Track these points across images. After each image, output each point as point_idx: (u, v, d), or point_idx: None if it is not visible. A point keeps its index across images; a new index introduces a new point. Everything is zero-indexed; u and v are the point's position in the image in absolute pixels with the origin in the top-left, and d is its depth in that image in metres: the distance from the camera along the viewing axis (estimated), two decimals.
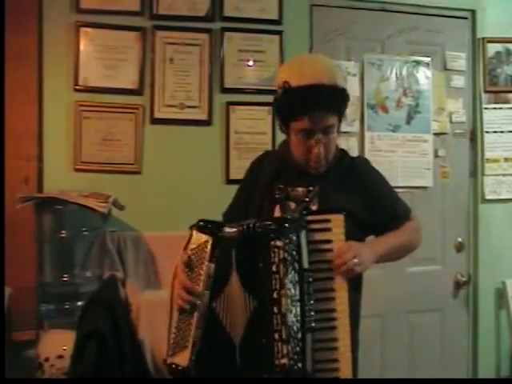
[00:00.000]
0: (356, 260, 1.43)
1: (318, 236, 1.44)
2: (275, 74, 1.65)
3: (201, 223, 1.51)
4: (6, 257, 2.38)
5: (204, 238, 1.47)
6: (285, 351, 1.31)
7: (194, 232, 1.50)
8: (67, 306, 2.33)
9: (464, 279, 3.08)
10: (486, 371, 3.09)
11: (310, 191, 1.59)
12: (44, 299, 2.35)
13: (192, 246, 1.49)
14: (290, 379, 1.34)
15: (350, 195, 1.60)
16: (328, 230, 1.44)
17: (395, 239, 1.64)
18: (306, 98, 1.49)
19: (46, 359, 2.19)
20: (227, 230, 1.47)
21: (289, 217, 1.46)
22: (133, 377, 2.16)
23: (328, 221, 1.44)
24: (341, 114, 1.58)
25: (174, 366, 1.46)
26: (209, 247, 1.45)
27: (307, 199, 1.58)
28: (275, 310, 1.34)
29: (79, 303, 2.29)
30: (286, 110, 1.57)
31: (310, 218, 1.45)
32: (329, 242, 1.44)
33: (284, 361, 1.31)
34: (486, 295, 3.09)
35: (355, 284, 1.55)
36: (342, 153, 1.71)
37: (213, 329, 1.43)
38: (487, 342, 3.10)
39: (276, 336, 1.32)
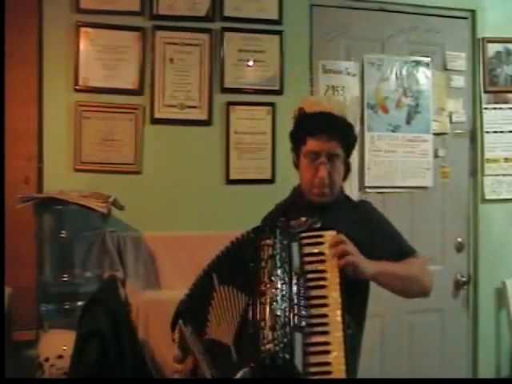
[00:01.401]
0: (349, 248, 1.44)
1: (312, 249, 1.47)
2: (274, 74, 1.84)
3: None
4: (6, 257, 2.38)
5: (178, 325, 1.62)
6: (270, 337, 1.31)
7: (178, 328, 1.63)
8: (67, 306, 2.32)
9: (464, 279, 3.08)
10: (486, 371, 3.09)
11: (312, 220, 1.60)
12: (44, 299, 2.35)
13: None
14: (291, 379, 1.33)
15: (353, 232, 1.58)
16: (321, 244, 1.47)
17: (398, 267, 1.62)
18: (316, 121, 1.68)
19: (46, 359, 2.19)
20: (183, 298, 1.64)
21: (280, 224, 1.54)
22: (133, 377, 2.16)
23: (321, 236, 1.49)
24: (346, 147, 1.72)
25: None
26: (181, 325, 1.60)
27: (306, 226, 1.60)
28: (262, 300, 1.37)
29: (79, 303, 2.29)
30: (298, 133, 1.74)
31: (303, 234, 1.50)
32: (322, 254, 1.45)
33: (269, 346, 1.30)
34: (486, 295, 3.09)
35: (358, 292, 1.57)
36: (346, 196, 1.83)
37: (213, 353, 1.49)
38: (487, 341, 3.10)
39: (262, 324, 1.34)
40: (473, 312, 3.11)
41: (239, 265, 1.49)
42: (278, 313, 1.34)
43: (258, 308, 1.37)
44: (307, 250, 1.47)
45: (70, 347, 2.13)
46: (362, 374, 1.67)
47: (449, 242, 3.08)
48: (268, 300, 1.36)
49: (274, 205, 1.94)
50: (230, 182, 2.74)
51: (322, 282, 1.42)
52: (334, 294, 1.40)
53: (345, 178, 1.79)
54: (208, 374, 1.47)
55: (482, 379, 3.08)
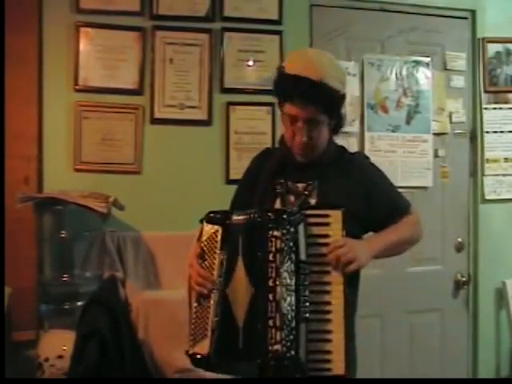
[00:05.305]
0: (350, 255, 1.45)
1: (317, 230, 1.47)
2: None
3: (210, 215, 1.57)
4: (6, 257, 2.38)
5: (214, 228, 1.53)
6: (278, 338, 1.34)
7: (205, 224, 1.57)
8: (67, 306, 2.33)
9: (464, 279, 3.08)
10: (486, 371, 3.09)
11: (309, 185, 1.63)
12: (44, 299, 2.35)
13: (204, 237, 1.55)
14: (292, 379, 1.34)
15: (349, 190, 1.63)
16: (326, 224, 1.47)
17: (394, 234, 1.65)
18: (291, 85, 1.56)
19: (46, 359, 2.19)
20: (235, 218, 1.52)
21: (288, 209, 1.51)
22: (133, 377, 2.16)
23: (327, 216, 1.47)
24: (329, 112, 1.60)
25: (195, 355, 1.48)
26: (219, 236, 1.51)
27: (306, 193, 1.62)
28: (270, 297, 1.38)
29: (79, 303, 2.29)
30: (276, 93, 1.66)
31: (308, 212, 1.48)
32: (327, 236, 1.47)
33: (277, 347, 1.34)
34: (486, 295, 3.09)
35: (351, 280, 1.56)
36: (341, 149, 1.76)
37: (225, 314, 1.46)
38: (487, 342, 3.10)
39: (270, 323, 1.36)
40: (473, 312, 3.11)
41: (250, 246, 1.47)
42: (285, 311, 1.36)
43: (266, 304, 1.37)
44: (312, 230, 1.46)
45: (69, 347, 2.13)
46: (362, 373, 1.67)
47: (449, 241, 3.08)
48: (277, 297, 1.37)
49: (265, 148, 1.91)
50: (229, 181, 2.74)
51: (325, 268, 1.44)
52: (338, 282, 1.44)
53: (336, 132, 1.71)
54: (212, 320, 1.45)
55: (482, 379, 3.08)
